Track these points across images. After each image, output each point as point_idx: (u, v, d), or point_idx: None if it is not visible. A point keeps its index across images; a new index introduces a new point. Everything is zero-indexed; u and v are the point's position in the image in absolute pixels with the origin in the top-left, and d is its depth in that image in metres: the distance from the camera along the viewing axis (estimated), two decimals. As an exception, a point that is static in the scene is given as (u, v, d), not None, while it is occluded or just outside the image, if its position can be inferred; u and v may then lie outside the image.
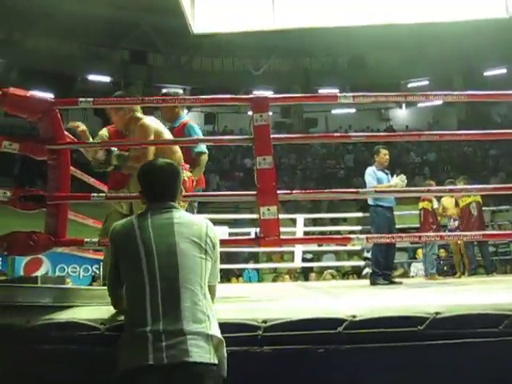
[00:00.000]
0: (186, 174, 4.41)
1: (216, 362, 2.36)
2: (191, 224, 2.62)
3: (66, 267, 12.41)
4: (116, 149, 4.34)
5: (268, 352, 2.64)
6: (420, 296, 4.31)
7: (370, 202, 7.26)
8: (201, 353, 2.30)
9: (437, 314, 2.70)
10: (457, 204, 9.30)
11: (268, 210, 3.45)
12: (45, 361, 2.75)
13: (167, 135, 4.56)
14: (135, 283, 2.46)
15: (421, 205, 9.01)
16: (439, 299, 3.33)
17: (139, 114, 4.52)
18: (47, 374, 2.75)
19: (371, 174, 7.24)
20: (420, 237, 5.76)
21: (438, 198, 9.14)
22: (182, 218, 2.64)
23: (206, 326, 2.38)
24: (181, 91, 4.67)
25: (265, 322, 2.69)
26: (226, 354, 2.46)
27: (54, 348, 2.76)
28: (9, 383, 2.78)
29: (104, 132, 5.04)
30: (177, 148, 4.47)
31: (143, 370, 2.27)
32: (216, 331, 2.43)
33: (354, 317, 2.68)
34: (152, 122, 4.45)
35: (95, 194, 4.12)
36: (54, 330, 2.77)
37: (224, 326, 2.52)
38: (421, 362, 2.66)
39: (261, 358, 2.66)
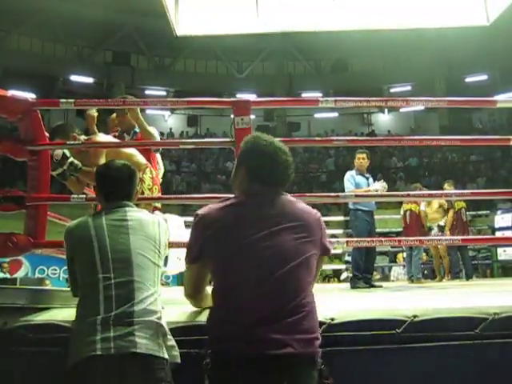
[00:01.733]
0: (151, 173, 4.45)
1: (165, 356, 2.40)
2: (144, 222, 2.68)
3: (45, 269, 12.32)
4: (72, 158, 4.30)
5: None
6: (399, 299, 4.34)
7: (350, 205, 7.31)
8: (149, 345, 2.34)
9: (414, 317, 2.72)
10: (444, 209, 9.34)
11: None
12: (22, 363, 2.74)
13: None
14: (89, 280, 2.49)
15: (406, 207, 9.06)
16: (418, 302, 3.36)
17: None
18: (24, 376, 2.73)
19: (349, 179, 7.30)
20: (400, 241, 5.78)
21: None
22: (136, 216, 2.69)
23: (155, 321, 2.43)
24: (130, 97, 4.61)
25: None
26: (177, 349, 2.51)
27: (31, 350, 2.74)
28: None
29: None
30: (133, 153, 4.45)
31: (92, 361, 2.29)
32: (165, 326, 2.48)
33: (332, 320, 2.70)
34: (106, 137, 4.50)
35: (75, 196, 4.10)
36: (31, 331, 2.75)
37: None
38: (399, 365, 2.68)
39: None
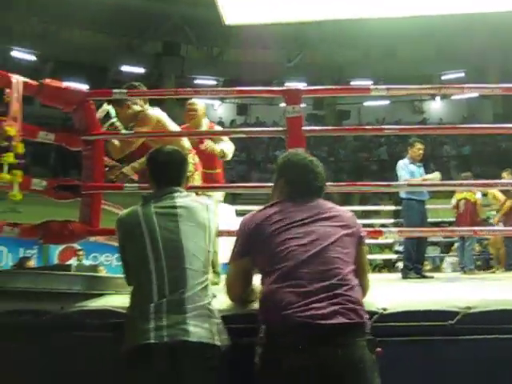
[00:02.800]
0: (193, 159, 4.51)
1: (218, 343, 2.42)
2: (193, 209, 2.68)
3: (99, 256, 12.58)
4: (115, 120, 4.40)
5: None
6: (451, 290, 4.27)
7: (403, 195, 7.18)
8: (201, 333, 2.37)
9: (468, 308, 2.68)
10: (497, 199, 9.10)
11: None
12: (78, 347, 2.81)
13: (173, 126, 4.61)
14: (141, 268, 2.52)
15: (460, 196, 8.80)
16: (471, 294, 3.30)
17: (138, 107, 4.54)
18: (80, 360, 2.80)
19: (403, 168, 7.15)
20: (453, 231, 5.67)
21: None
22: (185, 203, 2.69)
23: (208, 308, 2.47)
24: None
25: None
26: (227, 336, 2.52)
27: (86, 335, 2.81)
28: (42, 368, 2.84)
29: None
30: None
31: (146, 348, 2.33)
32: (216, 312, 2.52)
33: (384, 310, 2.68)
34: (155, 112, 4.50)
35: (128, 185, 4.17)
36: (87, 316, 2.83)
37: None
38: (451, 357, 2.64)
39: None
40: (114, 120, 4.41)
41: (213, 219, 2.73)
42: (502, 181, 7.27)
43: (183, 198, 2.72)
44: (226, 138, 5.22)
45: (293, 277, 2.29)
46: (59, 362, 2.81)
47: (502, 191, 8.95)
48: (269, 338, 2.26)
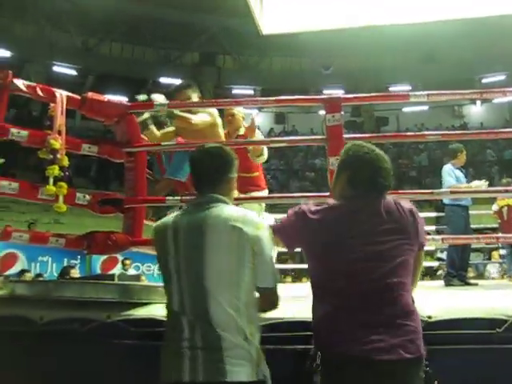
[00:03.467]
0: None
1: (257, 378, 2.20)
2: (228, 224, 2.26)
3: (140, 265, 12.71)
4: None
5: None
6: (497, 298, 4.19)
7: (446, 201, 7.06)
8: (240, 372, 2.14)
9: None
10: None
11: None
12: (123, 355, 2.85)
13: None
14: (168, 291, 2.32)
15: (502, 202, 8.65)
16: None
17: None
18: (125, 368, 2.84)
19: (450, 173, 7.02)
20: (498, 238, 5.57)
21: None
22: (218, 216, 2.29)
23: (245, 341, 2.19)
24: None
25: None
26: (267, 369, 2.28)
27: (132, 343, 2.85)
28: (87, 375, 2.88)
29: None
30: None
31: None
32: (257, 345, 2.24)
33: (429, 317, 2.65)
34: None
35: (170, 198, 4.22)
36: (132, 325, 2.86)
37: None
38: (498, 366, 2.59)
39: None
40: (148, 116, 4.47)
41: (254, 237, 2.27)
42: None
43: (219, 210, 2.32)
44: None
45: (351, 304, 2.15)
46: (105, 370, 2.85)
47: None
48: (326, 368, 2.17)
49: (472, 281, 7.44)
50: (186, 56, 28.67)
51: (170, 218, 2.43)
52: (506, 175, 17.11)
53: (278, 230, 2.45)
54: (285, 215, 2.43)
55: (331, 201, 2.43)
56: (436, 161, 23.38)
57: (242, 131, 5.06)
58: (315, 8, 10.05)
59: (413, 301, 2.27)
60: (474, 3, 9.66)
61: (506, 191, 5.58)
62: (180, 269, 2.25)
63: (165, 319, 2.50)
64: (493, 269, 12.14)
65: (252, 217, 2.35)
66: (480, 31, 22.51)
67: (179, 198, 4.20)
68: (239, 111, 5.12)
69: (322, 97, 3.96)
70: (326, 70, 28.45)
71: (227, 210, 2.33)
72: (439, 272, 11.91)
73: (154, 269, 12.35)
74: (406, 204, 2.42)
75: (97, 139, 4.34)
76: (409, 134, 4.19)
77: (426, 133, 4.43)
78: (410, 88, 24.38)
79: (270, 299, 2.36)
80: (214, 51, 28.36)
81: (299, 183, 22.61)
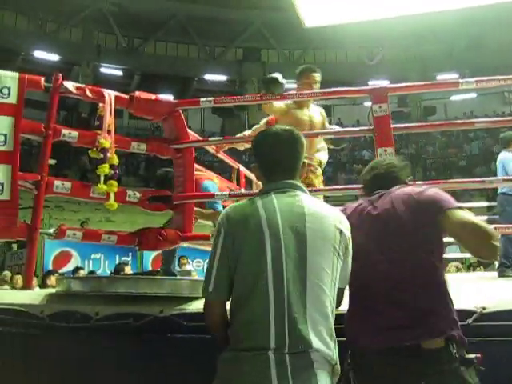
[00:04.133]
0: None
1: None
2: (323, 216, 2.07)
3: (190, 261, 12.83)
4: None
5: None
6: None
7: (503, 189, 6.87)
8: (323, 379, 1.91)
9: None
10: None
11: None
12: (177, 349, 2.89)
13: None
14: (251, 288, 1.97)
15: None
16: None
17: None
18: (179, 363, 2.88)
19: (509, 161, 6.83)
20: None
21: None
22: (313, 205, 2.10)
23: (333, 351, 1.96)
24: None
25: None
26: None
27: (186, 337, 2.88)
28: (140, 369, 2.93)
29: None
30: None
31: None
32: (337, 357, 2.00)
33: (484, 308, 2.59)
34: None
35: (218, 193, 4.25)
36: (186, 319, 2.90)
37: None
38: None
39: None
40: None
41: (345, 232, 2.10)
42: None
43: (310, 199, 2.13)
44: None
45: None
46: (159, 364, 2.90)
47: None
48: (356, 364, 2.20)
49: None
50: (230, 52, 28.81)
51: (245, 204, 2.15)
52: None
53: None
54: None
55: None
56: (487, 149, 22.89)
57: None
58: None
59: (445, 291, 2.22)
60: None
61: None
62: (280, 261, 1.95)
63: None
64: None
65: (341, 214, 2.19)
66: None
67: (227, 193, 4.22)
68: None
69: (368, 87, 3.92)
70: (371, 61, 28.12)
71: (315, 200, 2.19)
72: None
73: (204, 264, 12.45)
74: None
75: (145, 137, 4.41)
76: (456, 122, 4.11)
77: (475, 120, 4.32)
78: (458, 76, 23.85)
79: (339, 300, 2.18)
80: (258, 46, 28.39)
81: (346, 176, 22.45)
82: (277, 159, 2.17)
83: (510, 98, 29.35)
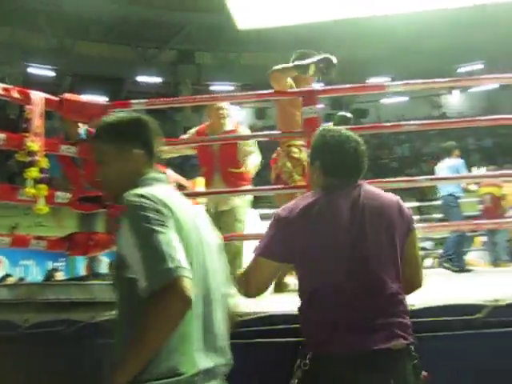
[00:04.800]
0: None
1: None
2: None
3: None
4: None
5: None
6: (484, 284, 4.24)
7: (450, 191, 7.26)
8: None
9: (496, 301, 2.66)
10: None
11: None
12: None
13: None
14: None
15: (484, 190, 8.77)
16: (501, 287, 3.28)
17: None
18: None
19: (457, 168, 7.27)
20: (478, 225, 5.67)
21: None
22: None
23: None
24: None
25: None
26: None
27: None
28: (74, 376, 2.87)
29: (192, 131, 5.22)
30: None
31: None
32: None
33: (412, 306, 2.66)
34: None
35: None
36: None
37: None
38: (478, 350, 2.62)
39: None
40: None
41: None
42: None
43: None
44: (253, 145, 5.04)
45: (335, 301, 2.09)
46: (91, 370, 2.85)
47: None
48: (316, 367, 2.09)
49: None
50: (164, 54, 28.57)
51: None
52: (486, 163, 17.24)
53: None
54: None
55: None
56: (417, 151, 23.61)
57: (229, 126, 5.05)
58: (290, 3, 10.06)
59: (401, 291, 2.21)
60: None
61: (487, 176, 5.61)
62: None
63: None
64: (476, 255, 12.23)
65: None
66: (455, 21, 22.70)
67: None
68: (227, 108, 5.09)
69: (299, 90, 3.96)
70: (304, 64, 28.45)
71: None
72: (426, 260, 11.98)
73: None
74: (389, 194, 2.35)
75: (76, 140, 4.31)
76: (386, 124, 4.24)
77: (403, 123, 4.46)
78: (390, 79, 24.50)
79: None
80: (193, 48, 28.28)
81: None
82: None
83: (439, 101, 30.36)
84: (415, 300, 2.67)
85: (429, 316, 2.65)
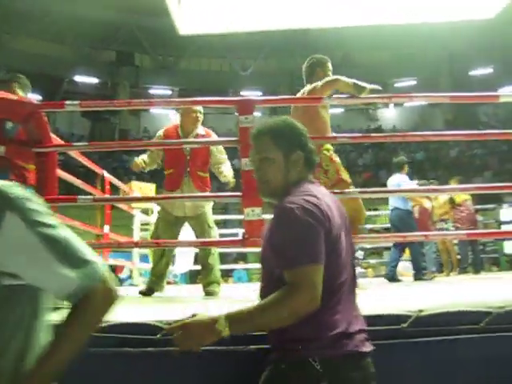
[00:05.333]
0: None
1: None
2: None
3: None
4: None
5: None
6: (407, 294, 4.35)
7: (402, 206, 7.49)
8: None
9: (420, 311, 2.73)
10: (451, 202, 9.37)
11: (252, 211, 3.46)
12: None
13: None
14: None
15: (415, 202, 9.04)
16: (425, 297, 3.37)
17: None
18: None
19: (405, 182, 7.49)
20: (405, 236, 5.82)
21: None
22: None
23: None
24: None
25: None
26: None
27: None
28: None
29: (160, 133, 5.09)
30: None
31: None
32: None
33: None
34: None
35: (82, 197, 4.11)
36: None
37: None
38: (403, 360, 2.69)
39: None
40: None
41: None
42: (451, 186, 7.52)
43: None
44: (225, 154, 5.02)
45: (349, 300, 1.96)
46: None
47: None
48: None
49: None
50: (103, 55, 28.14)
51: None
52: (416, 176, 17.76)
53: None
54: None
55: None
56: (353, 162, 24.07)
57: (201, 131, 5.00)
58: (232, 10, 10.11)
59: None
60: (392, 11, 10.01)
61: (414, 190, 5.78)
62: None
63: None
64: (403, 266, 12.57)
65: None
66: (394, 37, 23.35)
67: (91, 197, 4.11)
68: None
69: (235, 99, 3.98)
70: (244, 72, 28.64)
71: None
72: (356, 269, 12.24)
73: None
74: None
75: (3, 139, 4.17)
76: (319, 136, 4.32)
77: (338, 135, 4.55)
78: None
79: None
80: (132, 50, 27.98)
81: (219, 184, 22.55)
82: None
83: (374, 114, 31.12)
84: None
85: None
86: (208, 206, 4.92)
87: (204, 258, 4.78)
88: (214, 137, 5.10)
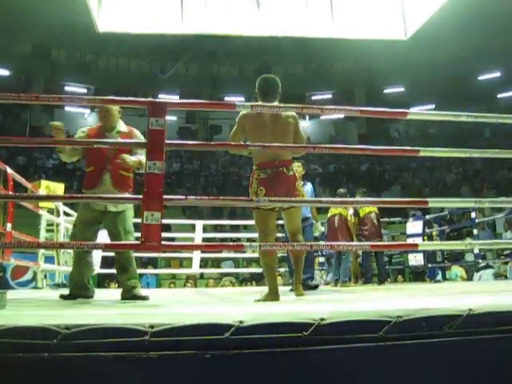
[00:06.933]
0: None
1: None
2: None
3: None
4: None
5: (154, 357, 2.61)
6: (310, 303, 4.41)
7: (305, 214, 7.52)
8: None
9: (321, 320, 2.76)
10: (356, 214, 9.60)
11: (152, 215, 3.40)
12: None
13: None
14: None
15: (335, 211, 9.23)
16: (327, 306, 3.42)
17: None
18: None
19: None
20: (332, 246, 5.96)
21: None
22: None
23: None
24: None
25: (152, 327, 2.65)
26: None
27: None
28: None
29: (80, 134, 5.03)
30: None
31: None
32: None
33: (241, 322, 2.69)
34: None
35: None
36: None
37: (109, 331, 2.46)
38: (306, 366, 2.71)
39: (148, 363, 2.62)
40: None
41: None
42: (358, 199, 7.74)
43: None
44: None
45: None
46: None
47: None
48: None
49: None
50: (17, 45, 27.04)
51: None
52: (329, 187, 18.14)
53: None
54: None
55: None
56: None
57: (123, 128, 5.09)
58: (155, 11, 9.99)
59: None
60: (311, 24, 10.20)
61: (320, 202, 5.91)
62: None
63: None
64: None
65: None
66: (313, 50, 23.85)
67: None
68: (115, 108, 5.08)
69: (147, 100, 3.90)
70: (164, 75, 28.39)
71: None
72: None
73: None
74: None
75: None
76: (232, 143, 4.32)
77: (249, 144, 4.57)
78: (243, 99, 25.13)
79: None
80: (49, 44, 27.08)
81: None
82: None
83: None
84: (246, 317, 2.72)
85: (259, 333, 2.69)
86: (131, 208, 4.92)
87: (122, 260, 4.76)
88: (137, 133, 5.20)
